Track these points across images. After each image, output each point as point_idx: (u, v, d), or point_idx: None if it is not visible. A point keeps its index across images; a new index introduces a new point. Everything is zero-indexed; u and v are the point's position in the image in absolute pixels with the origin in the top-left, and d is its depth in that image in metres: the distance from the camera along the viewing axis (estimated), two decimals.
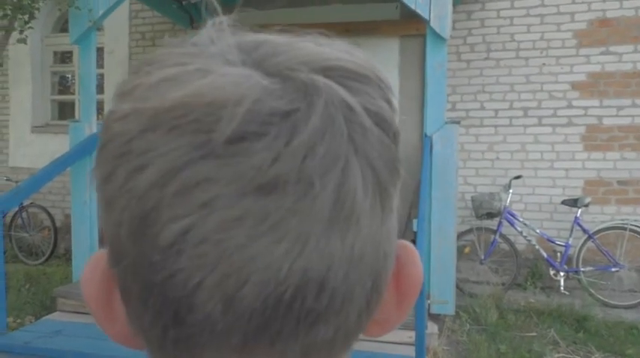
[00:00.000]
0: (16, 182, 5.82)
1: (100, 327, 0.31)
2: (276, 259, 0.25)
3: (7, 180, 6.15)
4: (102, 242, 0.30)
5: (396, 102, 0.30)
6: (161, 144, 0.25)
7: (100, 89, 5.75)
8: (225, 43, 0.28)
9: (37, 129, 6.78)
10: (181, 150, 0.25)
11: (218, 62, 0.27)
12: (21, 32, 4.53)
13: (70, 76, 7.19)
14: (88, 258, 0.31)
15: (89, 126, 4.42)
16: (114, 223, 0.27)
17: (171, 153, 0.25)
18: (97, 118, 4.55)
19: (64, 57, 7.10)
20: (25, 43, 4.73)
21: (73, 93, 6.98)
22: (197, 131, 0.25)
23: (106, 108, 6.46)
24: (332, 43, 0.30)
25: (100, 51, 5.47)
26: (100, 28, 5.11)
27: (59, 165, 4.16)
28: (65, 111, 7.06)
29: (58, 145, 5.90)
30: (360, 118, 0.27)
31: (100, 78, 5.98)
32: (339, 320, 0.27)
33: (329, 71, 0.27)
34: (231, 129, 0.24)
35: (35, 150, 6.63)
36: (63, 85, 7.30)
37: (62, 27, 6.83)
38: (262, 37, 0.29)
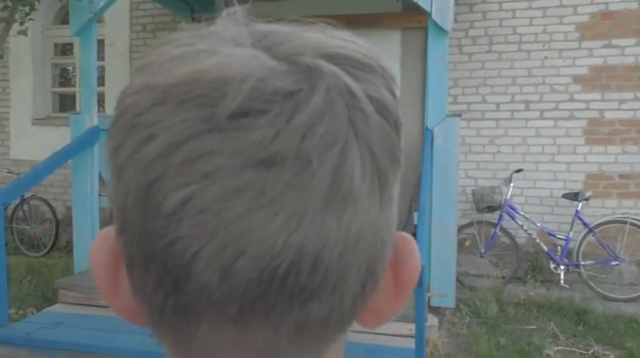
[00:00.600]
0: (17, 174, 5.82)
1: (106, 302, 0.32)
2: (273, 232, 0.25)
3: (8, 172, 6.16)
4: (111, 218, 0.32)
5: (398, 92, 0.31)
6: (168, 117, 0.26)
7: (101, 81, 5.75)
8: (237, 30, 0.30)
9: (37, 121, 6.78)
10: (187, 123, 0.26)
11: (229, 44, 0.28)
12: (21, 24, 4.53)
13: (70, 68, 7.18)
14: (98, 234, 0.33)
15: (90, 118, 4.42)
16: (122, 193, 0.28)
17: (177, 125, 0.26)
18: (98, 111, 4.54)
19: (65, 49, 7.09)
20: (26, 35, 4.72)
21: (73, 86, 6.97)
22: (203, 105, 0.26)
23: (107, 100, 6.47)
24: (337, 33, 0.30)
25: (100, 43, 5.46)
26: (100, 20, 5.10)
27: (60, 158, 4.17)
28: (66, 103, 7.06)
29: (59, 137, 5.89)
30: (361, 104, 0.27)
31: (101, 70, 5.97)
32: (333, 301, 0.28)
33: (334, 58, 0.28)
34: (236, 104, 0.25)
35: (36, 142, 6.63)
36: (64, 77, 7.29)
37: (63, 19, 6.82)
38: (272, 26, 0.30)
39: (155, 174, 0.26)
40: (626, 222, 4.74)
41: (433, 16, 3.74)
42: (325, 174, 0.26)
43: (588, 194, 4.85)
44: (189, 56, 0.28)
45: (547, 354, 3.60)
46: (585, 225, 4.77)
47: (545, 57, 5.28)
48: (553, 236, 4.98)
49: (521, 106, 5.36)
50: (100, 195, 4.52)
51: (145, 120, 0.27)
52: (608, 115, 5.15)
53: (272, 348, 0.28)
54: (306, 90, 0.26)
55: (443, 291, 3.83)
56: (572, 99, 5.23)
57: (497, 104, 5.42)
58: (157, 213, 0.26)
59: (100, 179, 4.58)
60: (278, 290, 0.26)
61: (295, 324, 0.28)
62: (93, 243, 0.32)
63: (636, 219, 4.72)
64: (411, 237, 0.33)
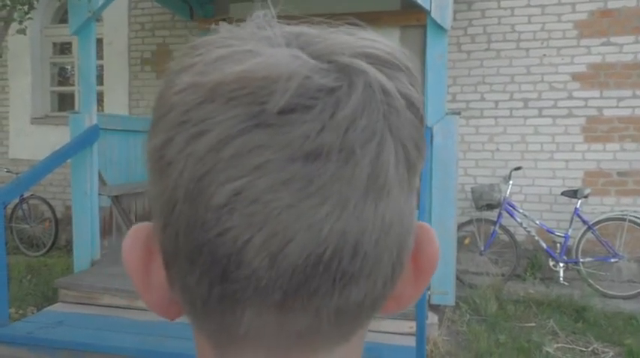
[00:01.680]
0: (16, 173, 5.82)
1: (138, 294, 0.34)
2: (319, 220, 0.27)
3: (7, 171, 6.15)
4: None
5: (420, 88, 0.32)
6: (219, 113, 0.28)
7: (100, 80, 5.74)
8: (271, 31, 0.31)
9: (36, 120, 6.77)
10: (237, 119, 0.27)
11: (266, 45, 0.30)
12: (20, 23, 4.51)
13: (69, 67, 7.17)
14: (130, 231, 0.34)
15: (89, 117, 4.41)
16: (170, 187, 0.29)
17: (228, 121, 0.27)
18: (97, 110, 4.54)
19: (64, 48, 7.08)
20: (25, 34, 4.71)
21: (72, 85, 6.97)
22: (252, 102, 0.27)
23: (106, 99, 6.47)
24: (363, 33, 0.32)
25: (99, 42, 5.45)
26: (99, 19, 5.09)
27: (60, 157, 4.16)
28: (65, 102, 7.06)
29: (58, 137, 5.89)
30: (394, 101, 0.29)
31: (100, 69, 5.96)
32: (368, 285, 0.30)
33: (366, 57, 0.30)
34: (284, 101, 0.27)
35: (35, 141, 6.63)
36: (62, 76, 7.28)
37: (61, 18, 6.81)
38: (299, 28, 0.32)
39: (206, 167, 0.27)
40: (624, 220, 4.75)
41: (432, 14, 3.74)
42: (366, 165, 0.28)
43: (587, 191, 4.86)
44: (234, 56, 0.29)
45: (547, 351, 3.61)
46: (584, 222, 4.79)
47: (544, 55, 5.28)
48: (552, 233, 4.99)
49: (520, 104, 5.37)
50: (99, 194, 4.52)
51: (194, 117, 0.28)
52: (606, 113, 5.16)
53: (312, 331, 0.30)
54: (345, 86, 0.28)
55: (443, 289, 3.84)
56: (570, 97, 5.24)
57: (496, 102, 5.43)
58: (207, 204, 0.27)
59: (100, 178, 4.58)
60: (322, 274, 0.28)
61: (336, 308, 0.29)
62: (125, 240, 0.34)
63: (635, 217, 4.74)
64: (429, 226, 0.35)
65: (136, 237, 0.34)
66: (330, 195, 0.27)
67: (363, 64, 0.29)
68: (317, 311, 0.29)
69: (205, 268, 0.28)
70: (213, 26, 0.34)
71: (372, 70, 0.29)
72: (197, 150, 0.28)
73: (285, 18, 0.33)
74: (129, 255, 0.33)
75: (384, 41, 0.32)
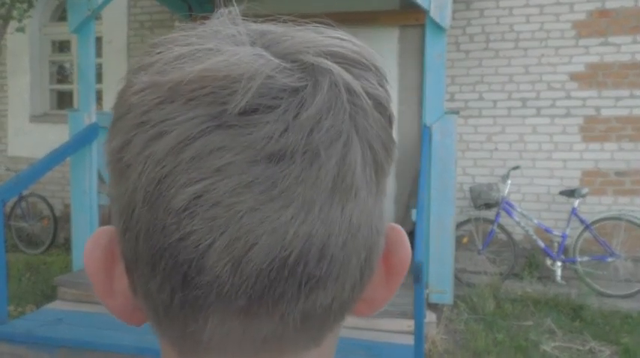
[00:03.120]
0: (16, 171, 5.82)
1: (100, 301, 0.33)
2: (283, 224, 0.26)
3: (6, 169, 6.15)
4: (107, 218, 0.32)
5: (389, 88, 0.32)
6: (178, 114, 0.27)
7: (99, 78, 5.74)
8: (235, 29, 0.30)
9: (35, 118, 6.77)
10: (198, 120, 0.27)
11: (229, 43, 0.29)
12: (19, 21, 4.51)
13: (68, 65, 7.16)
14: (92, 234, 0.33)
15: (88, 115, 4.41)
16: (129, 190, 0.28)
17: (188, 122, 0.27)
18: (96, 108, 4.54)
19: (63, 46, 7.07)
20: (24, 32, 4.71)
21: (71, 83, 6.96)
22: (213, 103, 0.27)
23: (105, 97, 6.46)
24: (331, 32, 0.31)
25: (98, 40, 5.45)
26: (98, 17, 5.08)
27: (59, 155, 4.17)
28: (64, 100, 7.05)
29: (57, 135, 5.89)
30: (361, 101, 0.29)
31: (99, 67, 5.96)
32: (336, 289, 0.29)
33: (332, 56, 0.29)
34: (245, 101, 0.26)
35: (34, 139, 6.62)
36: (61, 74, 7.27)
37: (60, 16, 6.80)
38: (266, 26, 0.31)
39: (166, 169, 0.27)
40: (622, 219, 4.77)
41: (431, 14, 3.75)
42: (332, 166, 0.27)
43: (585, 191, 4.88)
44: (194, 55, 0.28)
45: (544, 350, 3.63)
46: (582, 221, 4.80)
47: (542, 54, 5.29)
48: (550, 232, 5.00)
49: (518, 104, 5.38)
50: (98, 192, 4.52)
51: (153, 117, 0.27)
52: (604, 113, 5.18)
53: (277, 337, 0.29)
54: (310, 86, 0.28)
55: (441, 288, 3.85)
56: (568, 97, 5.25)
57: (495, 101, 5.44)
58: (167, 208, 0.27)
59: (99, 176, 4.58)
60: (287, 279, 0.27)
61: (302, 313, 0.29)
62: (87, 243, 0.33)
63: (632, 216, 4.75)
64: (400, 228, 0.34)
65: (97, 240, 0.32)
66: (295, 198, 0.26)
67: (328, 63, 0.28)
68: (282, 316, 0.28)
69: (166, 274, 0.28)
70: (176, 24, 0.33)
71: (337, 69, 0.28)
72: (156, 151, 0.27)
73: (252, 16, 0.32)
74: (89, 260, 0.32)
75: (352, 40, 0.31)
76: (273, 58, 0.28)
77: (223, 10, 0.32)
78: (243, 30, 0.30)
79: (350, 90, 0.28)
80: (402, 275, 0.34)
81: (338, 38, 0.31)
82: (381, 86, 0.31)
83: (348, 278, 0.29)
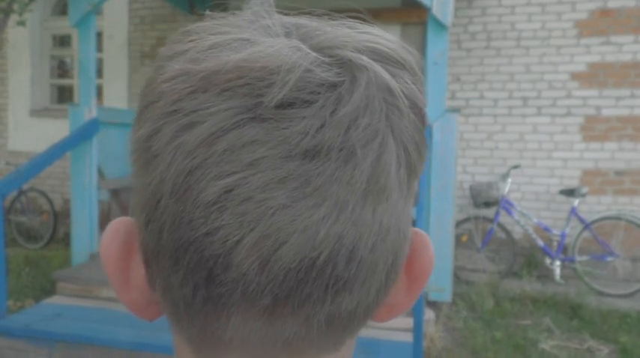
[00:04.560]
0: (16, 166, 5.82)
1: (115, 293, 0.32)
2: (315, 223, 0.26)
3: (6, 164, 6.15)
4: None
5: (423, 88, 0.31)
6: (211, 104, 0.26)
7: (99, 73, 5.74)
8: (269, 20, 0.30)
9: (36, 112, 6.76)
10: (232, 111, 0.26)
11: (264, 34, 0.28)
12: (20, 15, 4.50)
13: (69, 59, 7.16)
14: (109, 225, 0.32)
15: (89, 110, 4.41)
16: (155, 180, 0.27)
17: (221, 113, 0.26)
18: (97, 103, 4.54)
19: (63, 40, 7.06)
20: (25, 26, 4.70)
21: (72, 77, 6.95)
22: (248, 94, 0.26)
23: (105, 92, 6.45)
24: (364, 27, 0.31)
25: (99, 35, 5.44)
26: (99, 12, 5.08)
27: (59, 150, 4.16)
28: (64, 95, 7.04)
29: (57, 129, 5.90)
30: (397, 101, 0.28)
31: (99, 62, 5.95)
32: (362, 293, 0.28)
33: (369, 52, 0.28)
34: (282, 94, 0.26)
35: (34, 134, 6.62)
36: (62, 68, 7.26)
37: (61, 10, 6.79)
38: (299, 19, 0.31)
39: (197, 161, 0.26)
40: (621, 219, 4.77)
41: (433, 11, 3.74)
42: (366, 166, 0.26)
43: (584, 190, 4.88)
44: (229, 44, 0.27)
45: (542, 349, 3.63)
46: (581, 221, 4.80)
47: (544, 53, 5.29)
48: (549, 231, 5.00)
49: (519, 102, 5.38)
50: (98, 187, 4.52)
51: (185, 107, 0.26)
52: (605, 112, 5.17)
53: (300, 339, 0.28)
54: (347, 82, 0.27)
55: (440, 286, 3.86)
56: (569, 96, 5.25)
57: (496, 100, 5.43)
58: (196, 201, 0.26)
59: (99, 172, 4.58)
60: (315, 280, 0.26)
61: (327, 316, 0.28)
62: (104, 235, 0.32)
63: (631, 216, 4.76)
64: (424, 233, 0.33)
65: (115, 231, 0.31)
66: (328, 197, 0.25)
67: (365, 60, 0.27)
68: (307, 318, 0.27)
69: (190, 269, 0.27)
70: (207, 12, 0.32)
71: (375, 67, 0.28)
72: (187, 142, 0.26)
73: (285, 8, 0.32)
74: (106, 251, 0.31)
75: (388, 36, 0.30)
76: (310, 51, 0.27)
77: (256, 1, 0.31)
78: (277, 21, 0.29)
79: (387, 89, 0.28)
80: (424, 281, 0.33)
81: (374, 34, 0.30)
82: (416, 86, 0.30)
83: (374, 282, 0.28)
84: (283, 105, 0.26)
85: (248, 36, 0.28)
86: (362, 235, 0.27)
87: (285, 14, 0.31)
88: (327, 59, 0.27)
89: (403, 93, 0.28)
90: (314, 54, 0.27)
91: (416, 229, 0.33)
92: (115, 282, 0.32)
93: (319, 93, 0.26)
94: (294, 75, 0.26)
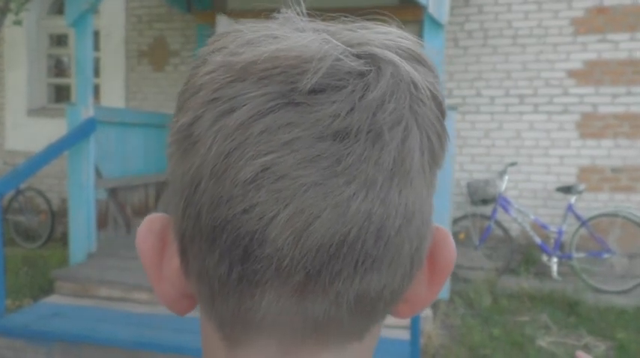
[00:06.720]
0: (13, 165, 5.81)
1: (151, 284, 0.34)
2: (345, 199, 0.27)
3: (3, 163, 6.14)
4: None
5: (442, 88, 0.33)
6: (249, 91, 0.28)
7: (97, 72, 5.73)
8: (300, 24, 0.32)
9: (33, 112, 6.75)
10: (268, 97, 0.28)
11: (297, 31, 0.31)
12: (17, 14, 4.50)
13: (66, 58, 7.15)
14: (144, 220, 0.34)
15: (86, 109, 4.41)
16: (195, 164, 0.29)
17: (258, 98, 0.28)
18: (94, 102, 4.53)
19: (60, 39, 7.05)
20: (21, 25, 4.69)
21: (69, 77, 6.94)
22: (283, 81, 0.28)
23: (103, 91, 6.45)
24: (386, 27, 0.33)
25: (96, 34, 5.43)
26: (96, 11, 5.07)
27: (56, 149, 4.16)
28: (61, 94, 7.03)
29: (54, 128, 5.89)
30: (419, 92, 0.30)
31: (96, 61, 5.95)
32: (389, 275, 0.30)
33: (393, 48, 0.31)
34: (315, 80, 0.28)
35: (32, 133, 6.61)
36: (59, 67, 7.25)
37: (58, 9, 6.78)
38: (325, 23, 0.33)
39: (235, 142, 0.28)
40: (618, 216, 4.79)
41: (429, 10, 3.74)
42: (393, 148, 0.28)
43: (581, 187, 4.90)
44: (266, 39, 0.30)
45: (540, 345, 3.65)
46: (578, 217, 4.82)
47: (540, 51, 5.30)
48: (546, 229, 5.02)
49: (516, 100, 5.39)
50: (95, 187, 4.52)
51: (225, 94, 0.28)
52: (601, 109, 5.19)
53: (329, 319, 0.29)
54: (374, 72, 0.29)
55: None
56: (566, 94, 5.26)
57: (492, 98, 5.44)
58: (235, 179, 0.27)
59: (96, 171, 4.58)
60: (345, 256, 0.28)
61: (355, 294, 0.29)
62: (140, 230, 0.34)
63: (628, 213, 4.77)
64: (445, 228, 0.35)
65: (150, 225, 0.34)
66: (357, 175, 0.27)
67: (390, 54, 0.30)
68: (337, 296, 0.29)
69: (227, 247, 0.28)
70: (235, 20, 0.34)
71: (399, 61, 0.30)
72: (227, 125, 0.28)
73: (312, 10, 0.34)
74: (143, 244, 0.33)
75: (408, 35, 0.33)
76: (339, 44, 0.29)
77: (284, 9, 0.33)
78: (307, 26, 0.32)
79: (410, 81, 0.30)
80: (445, 275, 0.34)
81: (395, 33, 0.32)
82: (437, 81, 0.32)
83: (400, 265, 0.30)
84: (315, 91, 0.28)
85: (281, 33, 0.30)
86: (389, 215, 0.28)
87: (311, 20, 0.33)
88: (355, 50, 0.29)
89: (425, 85, 0.30)
90: (343, 46, 0.29)
91: (437, 225, 0.34)
92: (151, 275, 0.34)
93: (348, 80, 0.28)
94: (326, 63, 0.28)
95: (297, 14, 0.33)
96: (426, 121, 0.30)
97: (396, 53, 0.30)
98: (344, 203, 0.27)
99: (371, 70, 0.29)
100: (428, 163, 0.30)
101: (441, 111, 0.31)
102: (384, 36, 0.31)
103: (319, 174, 0.27)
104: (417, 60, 0.31)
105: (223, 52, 0.30)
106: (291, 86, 0.28)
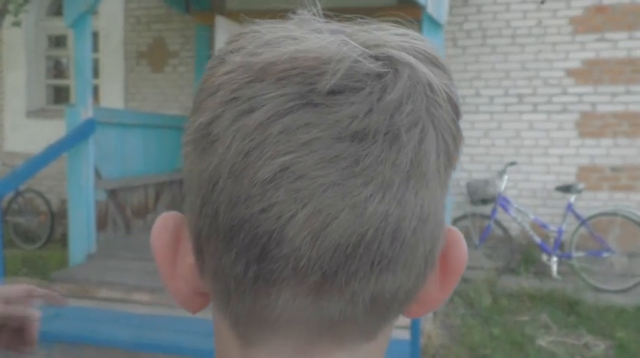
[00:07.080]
0: (12, 167, 5.80)
1: (164, 282, 0.34)
2: (363, 200, 0.27)
3: (3, 165, 6.14)
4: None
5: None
6: (268, 91, 0.28)
7: (95, 73, 5.73)
8: (316, 24, 0.32)
9: (32, 113, 6.75)
10: (287, 97, 0.28)
11: (314, 33, 0.31)
12: (15, 15, 4.50)
13: (65, 60, 7.14)
14: (158, 218, 0.34)
15: (85, 110, 4.41)
16: (213, 163, 0.29)
17: (277, 99, 0.28)
18: (93, 103, 4.53)
19: (59, 41, 7.05)
20: (20, 27, 4.69)
21: (68, 78, 6.94)
22: (302, 82, 0.28)
23: (101, 92, 6.45)
24: (395, 30, 0.33)
25: (94, 35, 5.43)
26: (94, 12, 5.07)
27: (55, 150, 4.16)
28: (60, 95, 7.03)
29: (53, 130, 5.89)
30: (436, 94, 0.30)
31: (95, 62, 5.95)
32: (403, 276, 0.30)
33: (410, 50, 0.31)
34: (333, 82, 0.28)
35: (31, 134, 6.61)
36: (58, 69, 7.25)
37: (57, 10, 6.78)
38: (341, 24, 0.33)
39: (254, 142, 0.28)
40: (617, 215, 4.79)
41: (428, 10, 3.75)
42: (410, 150, 0.28)
43: (581, 186, 4.90)
44: (285, 41, 0.30)
45: (540, 345, 3.65)
46: (578, 217, 4.82)
47: (539, 50, 5.30)
48: (546, 228, 5.02)
49: (515, 99, 5.39)
50: (95, 188, 4.52)
51: (244, 94, 0.29)
52: (600, 108, 5.19)
53: (345, 318, 0.30)
54: (391, 74, 0.29)
55: None
56: (565, 93, 5.26)
57: (491, 97, 5.45)
58: (253, 179, 0.27)
59: (95, 172, 4.58)
60: (362, 256, 0.28)
61: (371, 294, 0.29)
62: (154, 227, 0.34)
63: (627, 212, 4.78)
64: (457, 230, 0.35)
65: (164, 222, 0.34)
66: (375, 176, 0.27)
67: (407, 56, 0.30)
68: (353, 295, 0.29)
69: (244, 246, 0.28)
70: (247, 18, 0.34)
71: (416, 62, 0.30)
72: (246, 125, 0.28)
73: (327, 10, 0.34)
74: (157, 242, 0.34)
75: (423, 38, 0.33)
76: (358, 45, 0.29)
77: (301, 10, 0.34)
78: (323, 27, 0.32)
79: (427, 83, 0.30)
80: (457, 275, 0.34)
81: (411, 36, 0.32)
82: (452, 84, 0.32)
83: (414, 266, 0.30)
84: (334, 92, 0.28)
85: (300, 34, 0.30)
86: (405, 216, 0.28)
87: (327, 21, 0.33)
88: (372, 52, 0.30)
89: (441, 87, 0.30)
90: (361, 48, 0.29)
91: (449, 226, 0.34)
92: (164, 272, 0.34)
93: (366, 81, 0.28)
94: (344, 64, 0.28)
95: (313, 15, 0.33)
96: (442, 123, 0.30)
97: (413, 55, 0.30)
98: (361, 204, 0.27)
99: (388, 71, 0.29)
100: (443, 165, 0.30)
101: (457, 113, 0.32)
102: (401, 38, 0.31)
103: (338, 175, 0.27)
104: (432, 62, 0.31)
105: (242, 53, 0.30)
106: (310, 87, 0.28)
